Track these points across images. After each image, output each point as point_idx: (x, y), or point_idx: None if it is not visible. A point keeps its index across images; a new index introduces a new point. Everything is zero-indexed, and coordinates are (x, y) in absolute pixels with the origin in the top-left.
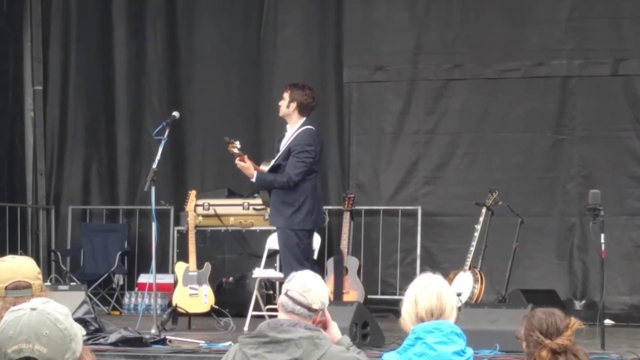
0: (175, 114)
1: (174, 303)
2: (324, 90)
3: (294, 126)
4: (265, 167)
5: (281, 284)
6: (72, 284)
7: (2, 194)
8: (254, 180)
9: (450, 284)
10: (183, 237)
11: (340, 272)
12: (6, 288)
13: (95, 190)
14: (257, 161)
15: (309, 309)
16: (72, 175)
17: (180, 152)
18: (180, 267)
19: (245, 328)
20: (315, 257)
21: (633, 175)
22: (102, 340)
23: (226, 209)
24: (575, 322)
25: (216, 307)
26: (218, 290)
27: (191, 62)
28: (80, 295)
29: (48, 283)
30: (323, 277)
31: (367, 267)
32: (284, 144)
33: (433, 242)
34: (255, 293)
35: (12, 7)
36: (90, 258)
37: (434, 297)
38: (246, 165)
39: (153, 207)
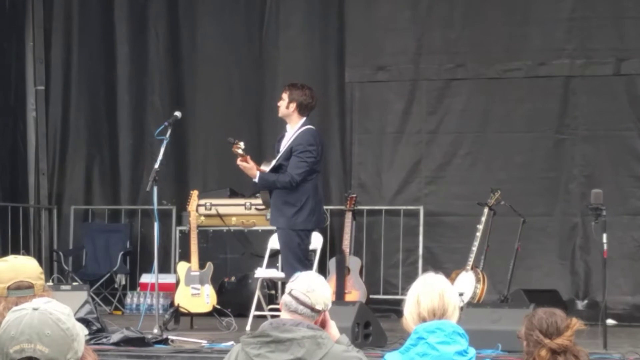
0: (177, 113)
1: (176, 303)
2: (326, 90)
3: (295, 126)
4: (266, 168)
5: (283, 283)
6: (74, 284)
7: (5, 194)
8: (256, 180)
9: (452, 283)
10: (185, 237)
11: (342, 272)
12: (8, 288)
13: (97, 190)
14: (258, 161)
15: (312, 309)
16: (74, 175)
17: (183, 152)
18: (182, 267)
19: (248, 328)
20: (317, 257)
21: (635, 175)
22: (104, 340)
23: (228, 208)
24: (576, 323)
25: (218, 307)
26: (220, 290)
27: (193, 62)
28: (83, 295)
29: (50, 283)
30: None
31: (369, 267)
32: (284, 144)
33: (435, 241)
34: (258, 293)
35: (14, 7)
36: (92, 258)
37: (436, 297)
38: (249, 166)
39: (155, 207)
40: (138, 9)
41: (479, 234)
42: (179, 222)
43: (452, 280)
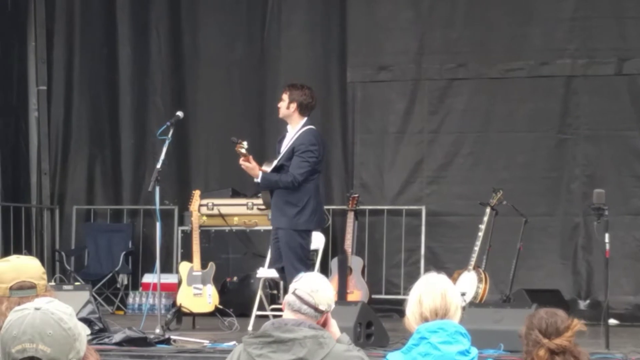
0: (179, 113)
1: (178, 303)
2: (328, 90)
3: (296, 126)
4: (267, 168)
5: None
6: (76, 283)
7: (7, 194)
8: (259, 180)
9: (454, 283)
10: (187, 237)
11: (344, 272)
12: (11, 288)
13: (99, 190)
14: (259, 162)
15: (316, 309)
16: (76, 175)
17: (185, 152)
18: (184, 266)
19: (250, 328)
20: (319, 257)
21: (637, 175)
22: (106, 340)
23: (230, 208)
24: (577, 324)
25: (220, 306)
26: (222, 290)
27: (195, 62)
28: (85, 295)
29: (52, 283)
30: (327, 277)
31: (371, 267)
32: (285, 145)
33: (437, 241)
34: (260, 293)
35: (16, 8)
36: (94, 258)
37: (438, 296)
38: (251, 166)
39: (157, 207)
40: (140, 10)
41: (481, 234)
42: (181, 222)
43: (454, 280)
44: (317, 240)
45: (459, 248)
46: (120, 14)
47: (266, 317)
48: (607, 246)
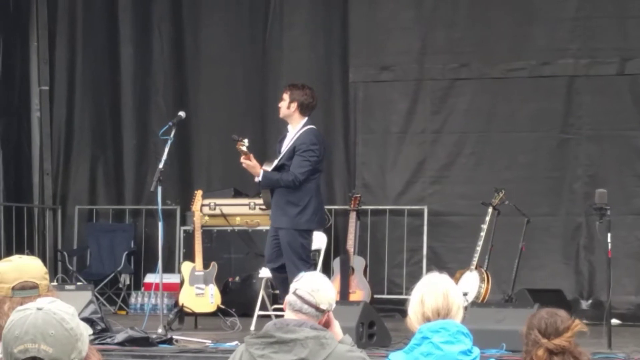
0: (181, 113)
1: (180, 303)
2: (330, 90)
3: (296, 126)
4: (267, 168)
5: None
6: (78, 283)
7: (9, 194)
8: (260, 179)
9: (456, 283)
10: (189, 236)
11: (346, 272)
12: (13, 288)
13: (101, 190)
14: (260, 162)
15: (317, 308)
16: (78, 175)
17: (187, 152)
18: (186, 266)
19: (252, 328)
20: (321, 257)
21: (639, 175)
22: (108, 340)
23: (232, 208)
24: (577, 324)
25: (222, 306)
26: (224, 290)
27: (197, 63)
28: (87, 295)
29: (55, 283)
30: (329, 277)
31: (374, 267)
32: (285, 145)
33: (439, 241)
34: (262, 293)
35: (18, 8)
36: (96, 258)
37: (440, 296)
38: (252, 164)
39: (159, 206)
40: (142, 10)
41: (483, 234)
42: (183, 222)
43: (456, 280)
44: (319, 240)
45: (461, 248)
46: (123, 14)
47: (268, 317)
48: (609, 246)
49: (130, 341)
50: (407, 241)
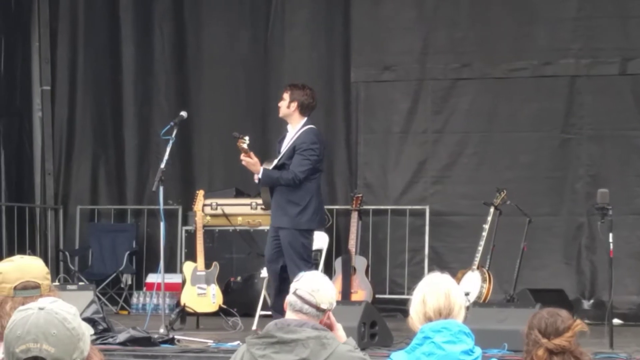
0: (183, 113)
1: (182, 303)
2: (331, 90)
3: (296, 126)
4: (268, 167)
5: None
6: (80, 283)
7: (11, 194)
8: (259, 176)
9: (458, 283)
10: (191, 236)
11: (348, 272)
12: (15, 288)
13: (103, 190)
14: (261, 161)
15: (317, 308)
16: (80, 175)
17: (188, 152)
18: (188, 266)
19: (254, 327)
20: (323, 257)
21: None
22: (110, 340)
23: (234, 208)
24: (578, 324)
25: (224, 306)
26: (226, 290)
27: (198, 62)
28: (89, 295)
29: (56, 283)
30: (331, 277)
31: (375, 267)
32: (285, 144)
33: (441, 241)
34: (263, 292)
35: (20, 8)
36: (98, 258)
37: (442, 296)
38: (252, 162)
39: (161, 206)
40: (143, 10)
41: (484, 234)
42: (185, 222)
43: (458, 279)
44: (321, 240)
45: (462, 248)
46: (124, 14)
47: (270, 317)
48: (611, 246)
49: (132, 341)
50: (408, 241)
